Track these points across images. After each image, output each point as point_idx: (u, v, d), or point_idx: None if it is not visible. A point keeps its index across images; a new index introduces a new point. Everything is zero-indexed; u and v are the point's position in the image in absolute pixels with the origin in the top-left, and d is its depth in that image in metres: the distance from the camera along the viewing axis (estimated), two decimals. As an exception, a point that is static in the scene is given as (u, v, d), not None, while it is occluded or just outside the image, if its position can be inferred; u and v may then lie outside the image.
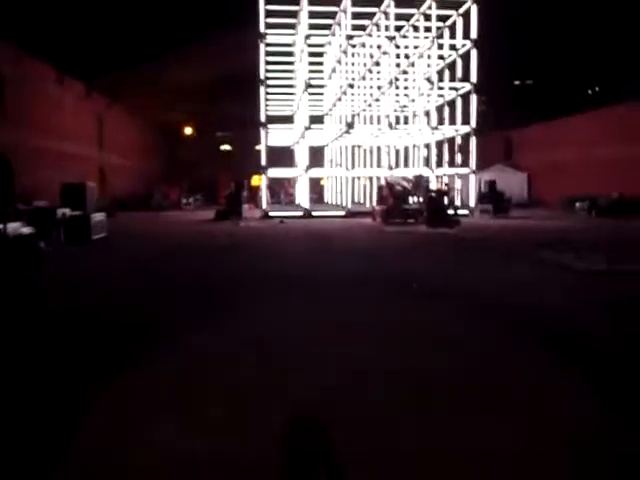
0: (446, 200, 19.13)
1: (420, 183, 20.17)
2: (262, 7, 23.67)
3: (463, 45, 24.32)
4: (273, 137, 28.89)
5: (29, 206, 13.70)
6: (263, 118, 24.17)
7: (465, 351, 4.13)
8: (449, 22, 25.13)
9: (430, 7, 23.72)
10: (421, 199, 19.15)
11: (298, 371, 3.68)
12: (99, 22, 30.04)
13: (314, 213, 23.29)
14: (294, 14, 25.04)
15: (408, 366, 3.77)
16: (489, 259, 9.50)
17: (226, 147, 44.75)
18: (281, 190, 34.37)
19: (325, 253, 10.60)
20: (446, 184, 26.44)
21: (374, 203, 21.83)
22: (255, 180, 33.01)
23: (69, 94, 25.82)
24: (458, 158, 25.57)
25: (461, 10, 24.18)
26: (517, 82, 44.95)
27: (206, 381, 3.54)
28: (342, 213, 23.42)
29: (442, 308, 5.59)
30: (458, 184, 25.72)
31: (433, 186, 24.64)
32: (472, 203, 23.98)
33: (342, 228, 17.39)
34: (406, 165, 28.99)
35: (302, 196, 25.94)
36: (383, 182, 22.72)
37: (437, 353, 4.10)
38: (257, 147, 24.98)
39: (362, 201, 29.15)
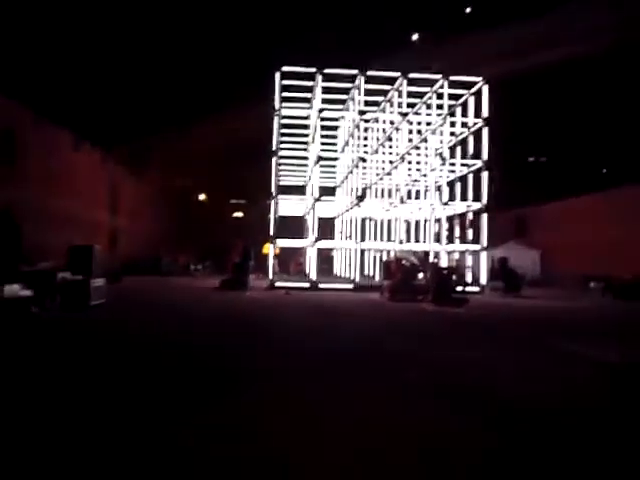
0: (455, 277, 18.73)
1: (428, 259, 19.81)
2: (278, 82, 24.29)
3: (475, 123, 24.57)
4: (285, 207, 29.01)
5: (33, 267, 13.48)
6: (274, 189, 24.28)
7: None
8: (461, 100, 25.55)
9: (442, 86, 24.19)
10: (429, 275, 18.70)
11: None
12: (118, 91, 31.16)
13: (321, 285, 22.89)
14: (309, 89, 25.61)
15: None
16: (490, 343, 8.94)
17: (238, 214, 45.14)
18: (291, 259, 34.21)
19: (320, 333, 10.11)
20: (456, 260, 26.07)
21: (382, 277, 21.41)
22: (266, 248, 32.97)
23: (85, 159, 26.33)
24: (469, 234, 25.32)
25: (473, 90, 24.61)
26: (531, 159, 45.42)
27: None
28: (350, 286, 22.98)
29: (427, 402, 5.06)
30: (469, 261, 25.32)
31: (443, 262, 24.31)
32: (483, 280, 23.45)
33: (347, 302, 16.91)
34: (417, 240, 28.78)
35: (311, 267, 25.63)
36: (392, 256, 22.39)
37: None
38: (269, 216, 25.01)
39: (372, 274, 28.77)
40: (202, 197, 44.54)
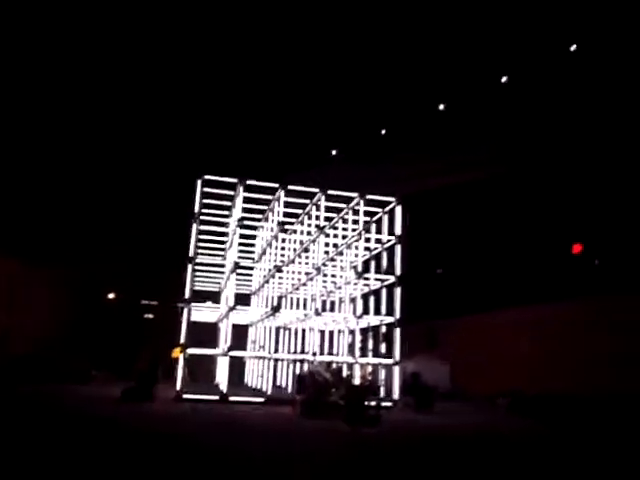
0: (368, 394, 18.57)
1: (341, 374, 19.68)
2: (199, 189, 24.49)
3: (388, 240, 25.66)
4: (198, 312, 28.30)
5: None
6: (188, 294, 23.70)
7: None
8: (375, 218, 26.75)
9: (358, 203, 25.31)
10: (342, 392, 18.45)
11: None
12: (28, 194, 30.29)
13: (231, 398, 22.00)
14: (229, 197, 25.96)
15: None
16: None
17: (149, 316, 43.44)
18: (201, 366, 32.81)
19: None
20: (369, 373, 26.05)
21: (295, 391, 20.91)
22: (176, 352, 31.63)
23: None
24: (382, 348, 25.59)
25: (387, 208, 25.93)
26: (439, 271, 47.43)
27: None
28: (261, 400, 22.23)
29: None
30: (382, 374, 25.40)
31: (357, 374, 24.21)
32: (396, 395, 23.46)
33: (255, 420, 16.27)
34: (330, 351, 28.71)
35: (222, 377, 24.72)
36: (305, 369, 22.06)
37: None
38: (181, 319, 24.16)
39: (284, 385, 28.12)
40: (111, 296, 42.65)
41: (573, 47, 29.70)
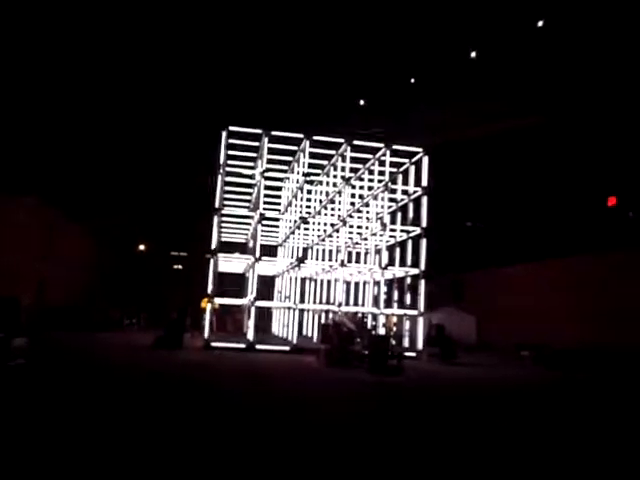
0: (391, 344, 18.77)
1: (365, 324, 19.86)
2: (224, 140, 24.38)
3: (415, 191, 25.33)
4: (225, 263, 28.68)
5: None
6: (214, 246, 23.97)
7: None
8: (402, 169, 26.35)
9: (385, 154, 24.90)
10: (365, 342, 18.70)
11: None
12: (59, 140, 30.63)
13: (258, 347, 22.48)
14: (255, 149, 25.83)
15: None
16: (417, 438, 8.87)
17: (178, 267, 44.32)
18: (229, 316, 33.56)
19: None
20: (394, 323, 26.28)
21: (320, 340, 21.25)
22: (204, 302, 32.36)
23: (16, 206, 25.56)
24: (407, 299, 25.65)
25: (413, 159, 25.48)
26: (469, 224, 46.92)
27: None
28: (287, 348, 22.68)
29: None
30: (407, 325, 25.56)
31: (381, 325, 24.43)
32: (420, 346, 23.65)
33: (280, 368, 16.64)
34: (356, 302, 28.95)
35: (249, 326, 25.21)
36: (330, 320, 22.34)
37: None
38: (209, 270, 24.55)
39: (310, 334, 28.58)
40: (142, 247, 43.53)
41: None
